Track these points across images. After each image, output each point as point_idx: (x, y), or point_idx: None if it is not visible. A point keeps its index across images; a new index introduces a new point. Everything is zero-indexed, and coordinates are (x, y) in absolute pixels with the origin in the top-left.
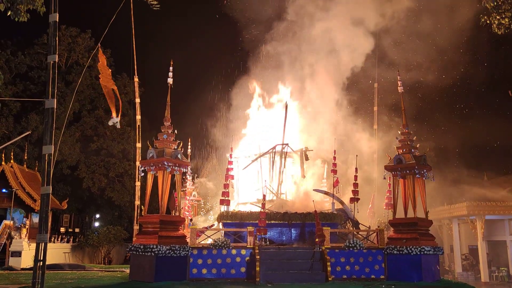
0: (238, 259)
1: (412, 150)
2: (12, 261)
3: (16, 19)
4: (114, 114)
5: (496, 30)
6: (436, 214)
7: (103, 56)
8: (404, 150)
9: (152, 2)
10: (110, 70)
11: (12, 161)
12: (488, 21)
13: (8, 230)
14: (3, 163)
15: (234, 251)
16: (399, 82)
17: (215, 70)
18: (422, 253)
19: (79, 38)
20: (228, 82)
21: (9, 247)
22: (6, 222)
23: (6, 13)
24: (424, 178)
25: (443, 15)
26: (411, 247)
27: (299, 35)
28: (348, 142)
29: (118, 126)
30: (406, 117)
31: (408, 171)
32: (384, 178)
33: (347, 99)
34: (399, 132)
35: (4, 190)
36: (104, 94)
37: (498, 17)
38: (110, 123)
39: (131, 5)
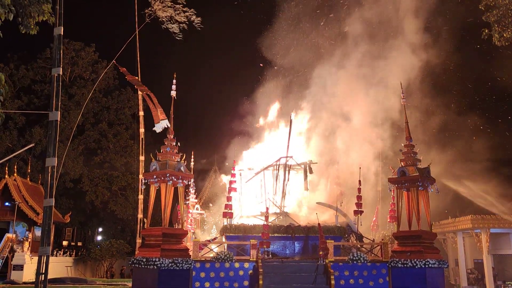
0: (241, 272)
1: (416, 162)
2: (14, 275)
3: (24, 31)
4: (161, 116)
5: (497, 43)
6: (440, 227)
7: (123, 68)
8: (408, 162)
9: (175, 32)
10: (137, 78)
11: (15, 174)
12: (489, 33)
13: (10, 244)
14: (6, 176)
15: (237, 264)
16: (402, 95)
17: (221, 83)
18: (426, 266)
19: (82, 52)
20: (235, 95)
21: (11, 260)
22: (9, 235)
23: (13, 25)
24: (428, 191)
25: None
26: (415, 260)
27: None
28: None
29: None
30: (409, 130)
31: (412, 184)
32: (390, 190)
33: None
34: (403, 145)
35: (7, 204)
36: (147, 99)
37: (499, 29)
38: (161, 126)
39: (136, 17)
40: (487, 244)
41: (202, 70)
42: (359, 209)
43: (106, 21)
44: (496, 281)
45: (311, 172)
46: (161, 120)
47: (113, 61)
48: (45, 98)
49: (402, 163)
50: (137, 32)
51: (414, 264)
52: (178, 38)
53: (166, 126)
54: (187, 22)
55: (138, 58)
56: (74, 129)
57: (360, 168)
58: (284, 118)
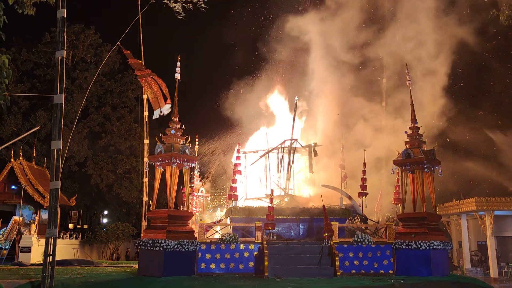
0: (246, 254)
1: (421, 144)
2: (21, 257)
3: (21, 11)
4: (162, 102)
5: (504, 22)
6: (444, 209)
7: (127, 51)
8: (413, 144)
9: (177, 10)
10: (140, 61)
11: (21, 158)
12: (497, 13)
13: (17, 226)
14: (12, 160)
15: (242, 246)
16: (407, 77)
17: (225, 66)
18: (431, 247)
19: (82, 34)
20: (239, 77)
21: (19, 243)
22: (16, 218)
23: (13, 8)
24: (432, 173)
25: None
26: (420, 241)
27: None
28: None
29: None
30: (414, 112)
31: (416, 166)
32: (393, 172)
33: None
34: (408, 127)
35: (13, 187)
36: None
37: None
38: (163, 111)
39: (139, 1)
40: (491, 226)
41: (207, 51)
42: (364, 191)
43: (109, 2)
44: (500, 262)
45: (315, 154)
46: (160, 107)
47: (118, 43)
48: (48, 83)
49: (407, 145)
50: (139, 15)
51: (419, 246)
52: (180, 17)
53: (162, 114)
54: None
55: (142, 42)
56: (78, 113)
57: (365, 150)
58: (289, 100)
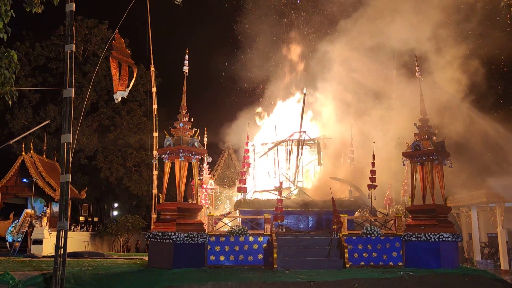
0: (255, 246)
1: (431, 136)
2: (33, 249)
3: (29, 9)
4: (121, 87)
5: None
6: (454, 201)
7: (121, 39)
8: (422, 136)
9: None
10: (128, 51)
11: (32, 151)
12: (508, 2)
13: (29, 219)
14: (23, 153)
15: (251, 238)
16: (416, 68)
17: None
18: (440, 240)
19: (95, 29)
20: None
21: (31, 235)
22: (28, 211)
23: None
24: (442, 165)
25: None
26: (429, 233)
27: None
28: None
29: (125, 96)
30: (424, 103)
31: (426, 158)
32: (404, 164)
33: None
34: (418, 118)
35: (24, 180)
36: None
37: None
38: (118, 96)
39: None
40: (501, 218)
41: (216, 43)
42: (373, 184)
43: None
44: (510, 254)
45: (324, 147)
46: (118, 91)
47: (116, 30)
48: (60, 76)
49: (416, 137)
50: (148, 4)
51: (428, 238)
52: (177, 3)
53: (123, 98)
54: None
55: (150, 35)
56: (85, 105)
57: (374, 142)
58: (298, 92)
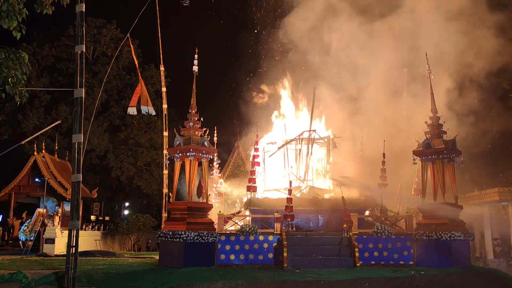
0: (265, 245)
1: (441, 134)
2: (46, 248)
3: (39, 10)
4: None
5: None
6: (466, 200)
7: (132, 46)
8: (433, 134)
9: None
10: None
11: (43, 151)
12: None
13: (41, 218)
14: (35, 153)
15: (261, 237)
16: (427, 66)
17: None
18: (452, 238)
19: (104, 29)
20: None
21: (43, 234)
22: (40, 210)
23: (32, 6)
24: (453, 163)
25: None
26: (440, 232)
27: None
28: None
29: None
30: (435, 101)
31: (437, 156)
32: (415, 163)
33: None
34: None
35: (36, 180)
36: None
37: None
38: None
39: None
40: None
41: (225, 43)
42: (383, 182)
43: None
44: None
45: (334, 146)
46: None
47: (127, 34)
48: (70, 76)
49: (427, 136)
50: (157, 6)
51: (439, 237)
52: (185, 5)
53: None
54: None
55: (160, 35)
56: (96, 107)
57: (384, 141)
58: (308, 91)
